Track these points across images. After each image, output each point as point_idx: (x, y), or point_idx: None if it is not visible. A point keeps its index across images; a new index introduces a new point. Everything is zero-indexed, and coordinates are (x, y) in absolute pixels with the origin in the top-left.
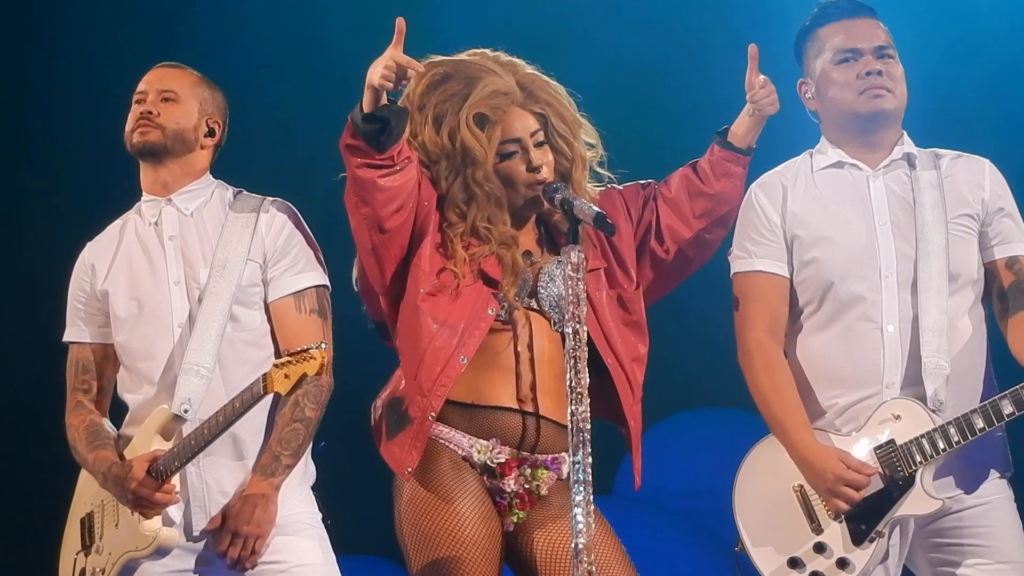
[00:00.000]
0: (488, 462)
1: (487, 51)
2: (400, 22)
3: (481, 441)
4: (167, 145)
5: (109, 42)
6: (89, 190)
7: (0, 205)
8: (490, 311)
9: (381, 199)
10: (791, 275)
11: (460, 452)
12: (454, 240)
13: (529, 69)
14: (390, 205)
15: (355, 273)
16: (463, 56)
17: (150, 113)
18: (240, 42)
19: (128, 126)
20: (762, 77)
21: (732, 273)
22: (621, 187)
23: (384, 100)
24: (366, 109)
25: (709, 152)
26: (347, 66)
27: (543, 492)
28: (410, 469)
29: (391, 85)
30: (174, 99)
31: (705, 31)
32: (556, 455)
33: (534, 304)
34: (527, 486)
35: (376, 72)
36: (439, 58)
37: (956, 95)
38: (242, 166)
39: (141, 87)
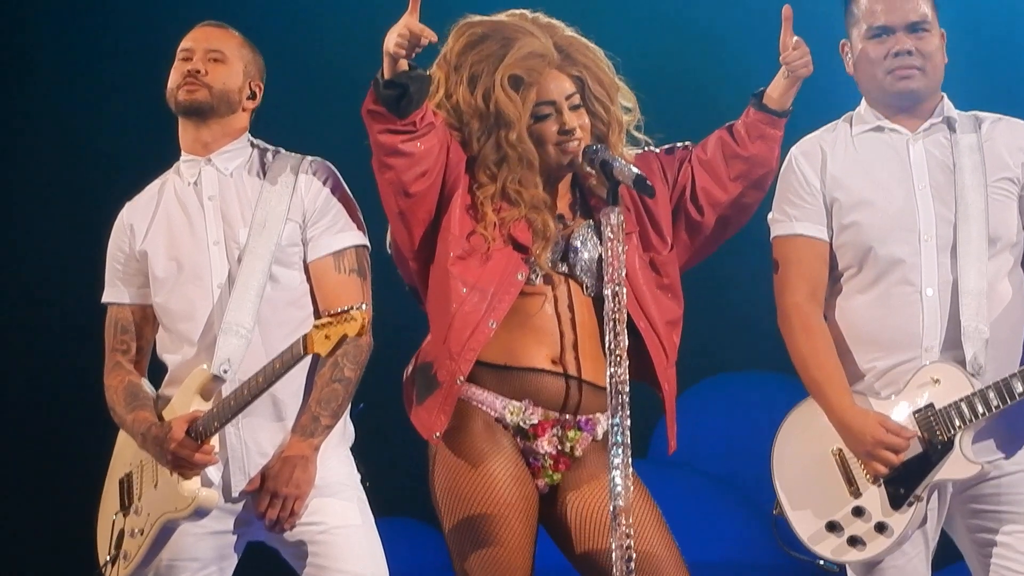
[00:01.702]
0: (521, 423)
1: (526, 12)
2: None
3: (514, 402)
4: (213, 104)
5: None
6: (127, 150)
7: (37, 167)
8: (520, 276)
9: (404, 164)
10: (831, 239)
11: (493, 414)
12: (484, 203)
13: (568, 31)
14: (413, 169)
15: (389, 237)
16: (501, 17)
17: (198, 72)
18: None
19: (173, 83)
20: (795, 38)
21: (772, 236)
22: (657, 150)
23: (404, 66)
24: (386, 76)
25: (745, 115)
26: (387, 27)
27: (578, 453)
28: (438, 434)
29: (404, 53)
30: (221, 59)
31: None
32: (590, 416)
33: (565, 269)
34: (561, 447)
35: (391, 40)
36: (477, 18)
37: (1000, 58)
38: (282, 126)
39: (187, 44)
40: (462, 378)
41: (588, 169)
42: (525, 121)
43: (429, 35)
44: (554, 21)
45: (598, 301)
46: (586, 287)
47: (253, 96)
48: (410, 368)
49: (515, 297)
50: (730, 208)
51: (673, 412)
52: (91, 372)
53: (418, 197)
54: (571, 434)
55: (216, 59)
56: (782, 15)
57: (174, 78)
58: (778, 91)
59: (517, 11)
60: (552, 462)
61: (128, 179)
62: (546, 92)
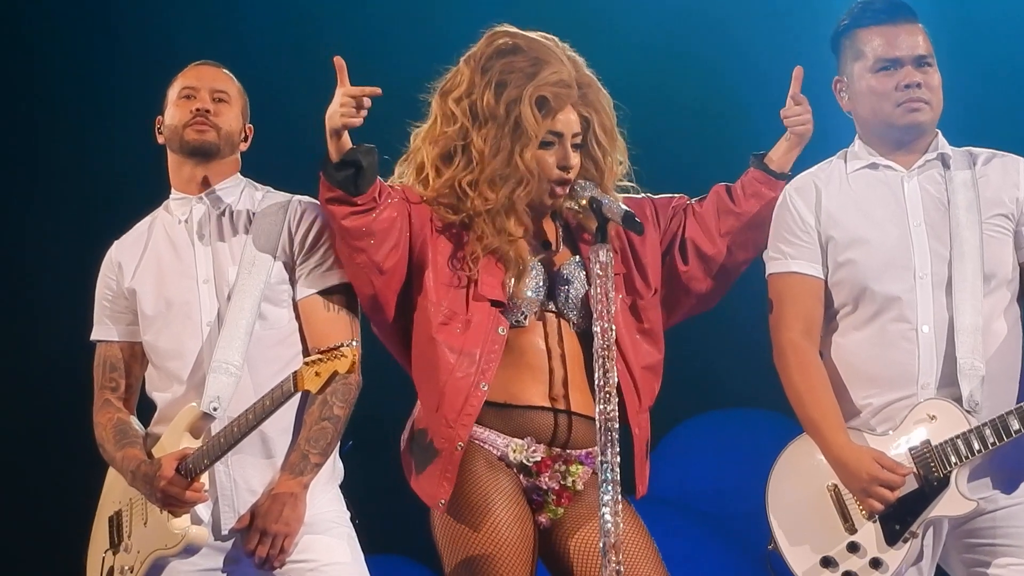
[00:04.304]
0: (524, 461)
1: (557, 39)
2: (339, 61)
3: (516, 440)
4: (220, 146)
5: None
6: (118, 186)
7: (27, 203)
8: (500, 330)
9: (375, 242)
10: (826, 276)
11: (496, 452)
12: (487, 221)
13: (588, 71)
14: (384, 245)
15: None
16: (534, 35)
17: (208, 112)
18: (265, 54)
19: (177, 120)
20: (800, 96)
21: (767, 274)
22: (654, 197)
23: (348, 143)
24: (334, 158)
25: (745, 173)
26: (381, 70)
27: (579, 487)
28: (443, 501)
29: (355, 119)
30: (227, 100)
31: (746, 49)
32: (590, 449)
33: (551, 306)
34: (563, 482)
35: (335, 114)
36: (512, 29)
37: (992, 93)
38: (271, 165)
39: (189, 83)
40: (461, 444)
41: (573, 206)
42: (536, 143)
43: (371, 90)
44: (578, 57)
45: (583, 337)
46: (572, 323)
47: (246, 138)
48: (405, 436)
49: (501, 353)
50: (715, 265)
51: (643, 457)
52: (80, 409)
53: (392, 270)
54: (573, 468)
55: (222, 99)
56: (792, 75)
57: (179, 116)
58: (779, 152)
59: (548, 34)
60: (555, 497)
61: (116, 216)
62: (558, 123)
